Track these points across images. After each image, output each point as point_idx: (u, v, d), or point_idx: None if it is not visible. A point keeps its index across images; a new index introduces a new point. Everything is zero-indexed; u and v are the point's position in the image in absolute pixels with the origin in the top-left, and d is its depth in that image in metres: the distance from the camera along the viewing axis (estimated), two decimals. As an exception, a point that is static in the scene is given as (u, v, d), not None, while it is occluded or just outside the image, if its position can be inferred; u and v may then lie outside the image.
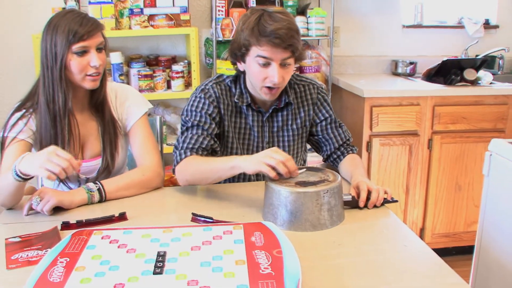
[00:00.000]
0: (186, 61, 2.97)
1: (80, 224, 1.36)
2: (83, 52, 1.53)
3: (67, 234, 1.23)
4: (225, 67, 2.81)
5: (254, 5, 2.92)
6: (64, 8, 2.64)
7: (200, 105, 1.67)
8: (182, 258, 1.10)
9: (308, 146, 1.91)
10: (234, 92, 1.71)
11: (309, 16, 3.03)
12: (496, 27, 3.59)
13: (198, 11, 3.16)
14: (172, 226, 1.27)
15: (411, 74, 3.36)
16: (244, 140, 1.75)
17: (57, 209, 1.47)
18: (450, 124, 2.88)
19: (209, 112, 1.67)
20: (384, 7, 3.42)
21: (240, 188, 1.68)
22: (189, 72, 2.90)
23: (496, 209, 1.80)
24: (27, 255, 1.19)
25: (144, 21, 2.75)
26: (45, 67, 1.54)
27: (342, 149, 1.78)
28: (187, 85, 2.92)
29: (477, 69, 3.05)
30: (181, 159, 1.61)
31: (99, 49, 1.57)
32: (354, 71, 3.49)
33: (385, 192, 1.50)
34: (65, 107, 1.57)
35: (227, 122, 1.71)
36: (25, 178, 1.39)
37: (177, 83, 2.84)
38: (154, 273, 1.03)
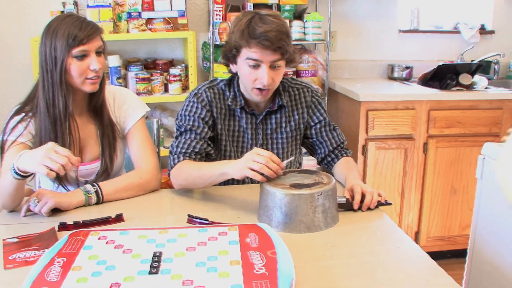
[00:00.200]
0: (183, 64, 2.99)
1: (77, 225, 1.37)
2: (83, 56, 1.55)
3: (64, 235, 1.24)
4: (222, 71, 2.83)
5: (252, 9, 2.94)
6: (62, 12, 2.66)
7: (194, 110, 1.70)
8: (178, 258, 1.12)
9: (304, 150, 1.93)
10: (228, 95, 1.73)
11: (306, 21, 3.05)
12: (491, 32, 3.61)
13: (195, 15, 3.18)
14: (168, 227, 1.28)
15: (407, 79, 3.38)
16: (238, 142, 1.76)
17: (54, 210, 1.48)
18: (445, 128, 2.90)
19: (202, 116, 1.69)
20: (380, 12, 3.45)
21: (236, 190, 1.70)
22: (187, 76, 2.92)
23: (489, 212, 1.81)
24: (25, 256, 1.21)
25: (142, 25, 2.77)
26: (45, 71, 1.55)
27: (336, 152, 1.80)
28: (185, 88, 2.93)
29: (472, 74, 3.07)
30: (174, 164, 1.63)
31: (98, 53, 1.59)
32: (351, 75, 3.51)
33: (379, 195, 1.52)
34: (65, 111, 1.58)
35: (221, 126, 1.73)
36: (23, 176, 1.40)
37: (175, 87, 2.86)
38: (150, 273, 1.05)
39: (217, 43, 2.92)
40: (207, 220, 1.38)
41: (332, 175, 1.67)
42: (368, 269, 1.17)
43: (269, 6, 2.97)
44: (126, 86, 2.82)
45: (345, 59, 3.48)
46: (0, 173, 1.50)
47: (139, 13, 2.76)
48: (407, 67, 3.40)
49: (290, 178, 1.44)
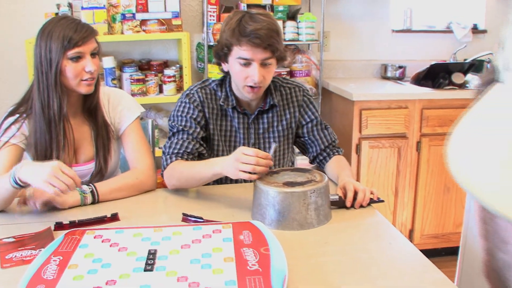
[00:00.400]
0: (178, 65, 3.00)
1: (73, 224, 1.39)
2: (78, 58, 1.56)
3: (60, 234, 1.26)
4: (216, 72, 2.84)
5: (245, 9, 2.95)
6: (57, 14, 2.66)
7: (186, 110, 1.71)
8: (172, 256, 1.13)
9: (296, 150, 1.95)
10: (220, 95, 1.75)
11: (299, 21, 3.07)
12: (484, 31, 3.64)
13: (189, 16, 3.19)
14: (163, 226, 1.30)
15: (400, 78, 3.41)
16: (230, 142, 1.78)
17: (50, 209, 1.49)
18: (438, 127, 2.93)
19: (194, 116, 1.70)
20: (373, 12, 3.47)
21: (230, 189, 1.72)
22: (181, 77, 2.93)
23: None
24: (21, 255, 1.22)
25: (136, 26, 2.78)
26: (40, 72, 1.56)
27: (328, 150, 1.82)
28: (179, 89, 2.94)
29: (465, 73, 3.10)
30: (167, 164, 1.65)
31: (93, 55, 1.60)
32: (344, 75, 3.53)
33: (371, 193, 1.54)
34: (60, 112, 1.58)
35: (213, 126, 1.75)
36: (22, 186, 1.41)
37: (169, 87, 2.87)
38: (145, 270, 1.07)
39: (211, 44, 2.94)
40: (201, 218, 1.40)
41: (325, 173, 1.69)
42: (360, 266, 1.18)
43: (262, 7, 2.99)
44: (120, 87, 2.83)
45: (338, 59, 3.50)
46: None
47: (133, 14, 2.77)
48: (400, 67, 3.43)
49: (283, 176, 1.46)
